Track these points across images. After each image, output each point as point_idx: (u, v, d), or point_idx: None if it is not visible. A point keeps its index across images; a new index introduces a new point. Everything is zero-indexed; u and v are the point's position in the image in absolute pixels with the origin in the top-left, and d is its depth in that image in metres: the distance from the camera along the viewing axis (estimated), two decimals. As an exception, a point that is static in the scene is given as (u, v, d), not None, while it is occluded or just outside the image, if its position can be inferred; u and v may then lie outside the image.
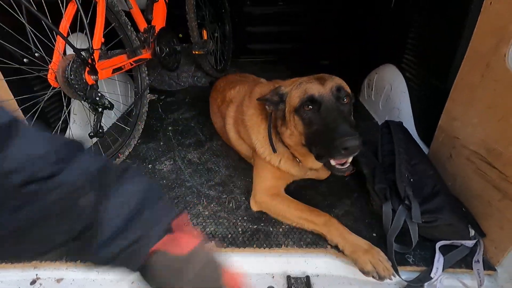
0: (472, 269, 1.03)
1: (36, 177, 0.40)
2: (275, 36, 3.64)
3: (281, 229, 1.24)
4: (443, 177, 1.28)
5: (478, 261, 1.04)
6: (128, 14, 1.85)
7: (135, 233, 0.48)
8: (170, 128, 2.13)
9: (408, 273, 1.06)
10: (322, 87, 1.08)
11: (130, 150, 1.80)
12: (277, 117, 1.25)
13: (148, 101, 2.00)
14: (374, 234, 1.20)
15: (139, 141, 1.91)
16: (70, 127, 1.67)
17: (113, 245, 0.46)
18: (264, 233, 1.23)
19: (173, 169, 1.67)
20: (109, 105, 1.44)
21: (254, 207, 1.32)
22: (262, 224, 1.27)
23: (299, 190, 1.45)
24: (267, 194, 1.29)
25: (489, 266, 1.04)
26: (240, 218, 1.31)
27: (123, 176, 0.51)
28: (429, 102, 1.56)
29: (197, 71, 3.04)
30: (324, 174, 1.49)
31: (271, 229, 1.24)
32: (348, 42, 3.27)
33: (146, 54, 1.84)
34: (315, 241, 1.18)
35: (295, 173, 1.35)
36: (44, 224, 0.42)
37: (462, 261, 1.06)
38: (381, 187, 1.24)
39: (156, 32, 1.93)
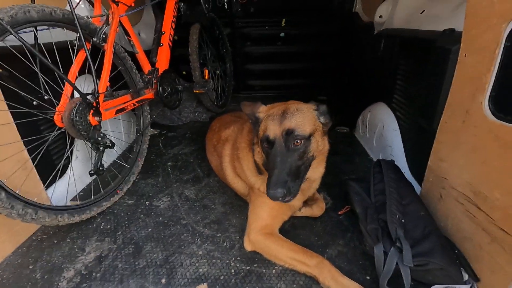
0: (467, 316, 1.01)
1: None
2: (274, 73, 3.83)
3: (274, 271, 1.23)
4: (435, 218, 1.30)
5: (473, 307, 1.02)
6: (133, 57, 1.99)
7: None
8: (169, 163, 2.18)
9: (402, 320, 1.04)
10: (278, 128, 1.15)
11: (129, 186, 1.83)
12: (254, 135, 1.34)
13: (149, 137, 2.07)
14: (368, 277, 1.19)
15: (138, 177, 1.96)
16: (71, 164, 1.72)
17: None
18: (256, 275, 1.22)
19: (169, 206, 1.69)
20: (110, 144, 1.51)
21: (248, 247, 1.33)
22: (255, 265, 1.26)
23: (293, 230, 1.46)
24: (261, 233, 1.30)
25: (484, 312, 1.03)
26: (233, 258, 1.31)
27: None
28: (419, 141, 1.61)
29: (198, 106, 3.17)
30: (318, 211, 1.51)
31: (264, 270, 1.24)
32: (344, 79, 3.43)
33: (149, 95, 1.94)
34: (308, 284, 1.16)
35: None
36: None
37: (457, 307, 1.04)
38: (372, 228, 1.25)
39: (160, 73, 2.06)
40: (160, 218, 1.59)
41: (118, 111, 1.62)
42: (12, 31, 1.07)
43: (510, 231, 0.94)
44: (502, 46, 0.98)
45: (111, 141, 1.52)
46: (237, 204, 1.69)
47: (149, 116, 2.03)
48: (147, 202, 1.73)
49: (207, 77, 2.75)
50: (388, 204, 1.27)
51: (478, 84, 1.08)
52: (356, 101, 2.71)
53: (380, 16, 2.35)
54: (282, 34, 3.57)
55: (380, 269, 1.12)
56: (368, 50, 2.64)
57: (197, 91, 2.51)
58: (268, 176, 1.12)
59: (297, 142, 1.13)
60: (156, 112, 2.14)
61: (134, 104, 1.80)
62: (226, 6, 3.42)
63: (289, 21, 3.47)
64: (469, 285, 1.07)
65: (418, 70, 1.63)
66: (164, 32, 2.23)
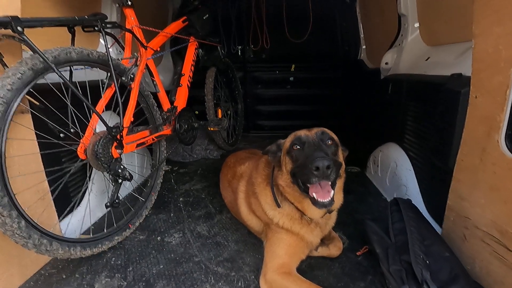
0: None
1: None
2: (283, 114, 3.97)
3: (293, 314, 1.16)
4: (461, 260, 1.24)
5: None
6: (155, 96, 2.11)
7: None
8: (181, 199, 2.17)
9: None
10: (309, 132, 1.28)
11: (141, 221, 1.81)
12: (275, 166, 1.38)
13: (163, 172, 2.10)
14: (394, 324, 1.11)
15: (150, 212, 1.94)
16: (89, 198, 1.73)
17: None
18: (274, 318, 1.15)
19: (181, 242, 1.65)
20: (129, 177, 1.54)
21: (264, 286, 1.26)
22: (273, 308, 1.19)
23: (311, 271, 1.40)
24: (279, 272, 1.25)
25: None
26: (249, 300, 1.24)
27: None
28: (435, 180, 1.61)
29: (209, 144, 3.24)
30: (335, 251, 1.46)
31: (282, 313, 1.17)
32: (353, 120, 3.52)
33: (167, 131, 2.02)
34: (330, 330, 1.09)
35: (306, 235, 1.32)
36: None
37: None
38: (396, 269, 1.20)
39: (178, 111, 2.16)
40: (172, 255, 1.54)
41: (138, 145, 1.68)
42: (55, 69, 1.17)
43: (546, 274, 0.90)
44: (512, 88, 1.04)
45: (130, 173, 1.55)
46: (250, 242, 1.64)
47: (165, 151, 2.08)
48: (158, 238, 1.70)
49: (220, 116, 2.87)
50: (410, 244, 1.23)
51: (492, 123, 1.12)
52: (366, 142, 2.76)
53: (386, 63, 2.51)
54: (291, 78, 3.78)
55: (408, 315, 1.05)
56: (375, 94, 2.76)
57: (212, 128, 2.60)
58: (304, 167, 1.14)
59: (329, 141, 1.24)
60: (171, 149, 2.20)
61: (153, 139, 1.86)
62: (240, 53, 3.69)
63: (298, 66, 3.70)
64: (507, 336, 0.99)
65: (428, 111, 1.69)
66: (184, 74, 2.39)
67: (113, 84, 1.49)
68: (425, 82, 1.75)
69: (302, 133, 1.29)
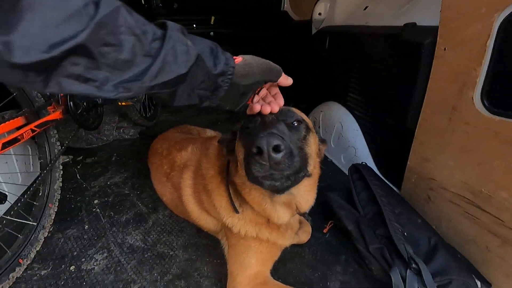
0: (493, 329, 0.94)
1: (156, 36, 0.55)
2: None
3: (277, 331, 0.96)
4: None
5: (496, 318, 0.95)
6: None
7: (223, 59, 0.65)
8: (96, 201, 1.64)
9: None
10: (268, 107, 0.85)
11: (37, 249, 1.27)
12: (231, 161, 1.02)
13: (61, 171, 1.50)
14: (384, 309, 1.03)
15: (51, 230, 1.39)
16: None
17: (216, 69, 0.63)
18: None
19: (108, 266, 1.22)
20: (-1, 198, 0.97)
21: (236, 306, 1.01)
22: (252, 330, 0.96)
23: (283, 265, 1.20)
24: (252, 285, 0.99)
25: (503, 319, 0.97)
26: (220, 327, 0.97)
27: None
28: (388, 140, 1.56)
29: (122, 121, 2.60)
30: (305, 237, 1.29)
31: (265, 335, 0.95)
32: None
33: (55, 114, 1.39)
34: None
35: (277, 240, 1.07)
36: (170, 66, 0.56)
37: (481, 322, 0.96)
38: (376, 248, 1.09)
39: (68, 84, 1.51)
40: (98, 289, 1.12)
41: (6, 144, 1.07)
42: None
43: (526, 233, 0.89)
44: (494, 37, 0.92)
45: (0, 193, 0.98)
46: (203, 244, 1.33)
47: (58, 143, 1.47)
48: (72, 267, 1.21)
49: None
50: (386, 218, 1.13)
51: (465, 79, 1.02)
52: (302, 102, 2.62)
53: (319, 14, 2.30)
54: (211, 33, 3.26)
55: (401, 299, 0.96)
56: (308, 49, 2.57)
57: (123, 103, 2.00)
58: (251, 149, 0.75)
59: (295, 123, 0.87)
60: (69, 136, 1.57)
61: (32, 130, 1.24)
62: (143, 1, 2.92)
63: (218, 19, 3.19)
64: (482, 292, 1.01)
65: (378, 67, 1.58)
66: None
67: None
68: (373, 34, 1.60)
69: (259, 108, 0.85)
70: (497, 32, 0.91)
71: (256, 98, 0.84)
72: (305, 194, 0.98)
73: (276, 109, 0.83)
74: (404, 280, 0.98)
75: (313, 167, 0.93)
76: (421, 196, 1.29)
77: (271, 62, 0.79)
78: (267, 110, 0.81)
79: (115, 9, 0.49)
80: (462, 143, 1.07)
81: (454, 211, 1.13)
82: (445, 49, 1.10)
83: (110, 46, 0.49)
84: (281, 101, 0.85)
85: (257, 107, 0.81)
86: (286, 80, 0.84)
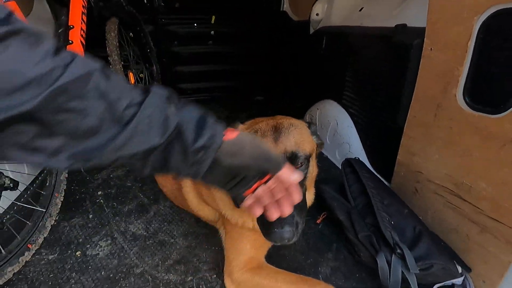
0: (471, 310, 1.01)
1: (134, 102, 0.50)
2: (206, 75, 3.54)
3: (271, 311, 1.02)
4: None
5: (474, 300, 1.02)
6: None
7: (208, 132, 0.57)
8: (99, 192, 1.71)
9: (417, 333, 0.97)
10: (274, 147, 0.90)
11: (45, 235, 1.34)
12: None
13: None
14: (371, 291, 1.10)
15: (57, 219, 1.46)
16: None
17: (196, 143, 0.56)
18: (252, 321, 0.99)
19: (112, 252, 1.29)
20: (11, 184, 1.04)
21: (232, 288, 1.08)
22: (247, 309, 1.03)
23: (277, 252, 1.27)
24: (247, 269, 1.07)
25: (482, 302, 1.04)
26: (217, 307, 1.04)
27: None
28: (380, 136, 1.63)
29: (124, 117, 2.66)
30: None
31: (259, 313, 1.02)
32: (283, 78, 3.39)
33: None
34: (314, 318, 1.00)
35: None
36: (141, 136, 0.51)
37: (460, 304, 1.03)
38: (365, 235, 1.16)
39: (74, 79, 1.58)
40: (103, 272, 1.19)
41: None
42: None
43: (502, 220, 0.96)
44: (474, 38, 0.99)
45: (11, 179, 1.05)
46: (202, 233, 1.40)
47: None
48: (77, 253, 1.28)
49: (132, 81, 2.32)
50: (375, 208, 1.20)
51: (449, 77, 1.09)
52: (299, 100, 2.69)
53: (317, 14, 2.36)
54: (212, 32, 3.32)
55: (386, 281, 1.03)
56: (306, 49, 2.64)
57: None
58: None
59: (298, 164, 0.91)
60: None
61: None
62: (146, 0, 2.98)
63: (219, 18, 3.25)
64: (463, 277, 1.08)
65: (371, 67, 1.64)
66: (73, 27, 1.73)
67: None
68: (367, 35, 1.67)
69: None
70: (477, 34, 0.98)
71: (262, 189, 0.67)
72: (306, 195, 1.05)
73: (286, 212, 0.70)
74: (389, 264, 1.05)
75: (311, 179, 1.04)
76: (409, 189, 1.36)
77: (272, 152, 0.68)
78: (273, 216, 0.70)
79: (86, 74, 0.45)
80: (446, 137, 1.14)
81: (438, 201, 1.20)
82: (431, 49, 1.16)
83: (71, 113, 0.44)
84: (296, 196, 0.69)
85: (256, 211, 0.70)
86: (289, 176, 0.66)
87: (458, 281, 1.07)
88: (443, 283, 1.07)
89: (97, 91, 0.46)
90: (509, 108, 0.92)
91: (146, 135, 0.51)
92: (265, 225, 0.83)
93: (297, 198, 0.69)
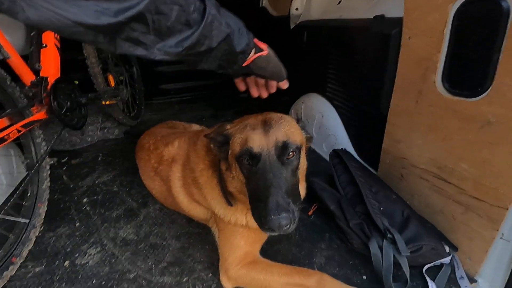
0: (460, 286, 1.05)
1: (197, 7, 0.66)
2: (188, 74, 3.49)
3: (268, 304, 1.03)
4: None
5: (462, 277, 1.07)
6: (3, 65, 1.40)
7: (246, 39, 0.80)
8: (85, 200, 1.66)
9: (411, 312, 1.00)
10: (264, 139, 0.90)
11: (30, 247, 1.28)
12: (222, 159, 1.07)
13: (49, 171, 1.51)
14: (364, 277, 1.12)
15: (42, 230, 1.40)
16: None
17: (239, 47, 0.78)
18: (250, 316, 0.99)
19: (103, 259, 1.26)
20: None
21: (228, 285, 1.07)
22: (245, 305, 1.03)
23: (270, 247, 1.27)
24: (242, 265, 1.06)
25: (469, 278, 1.08)
26: (215, 305, 1.04)
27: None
28: (365, 126, 1.66)
29: (106, 121, 2.59)
30: (291, 219, 1.37)
31: (257, 308, 1.02)
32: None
33: (39, 114, 1.40)
34: (311, 307, 1.01)
35: None
36: (205, 39, 0.70)
37: (449, 282, 1.07)
38: (356, 223, 1.19)
39: (50, 84, 1.52)
40: (94, 281, 1.15)
41: (-7, 144, 1.08)
42: None
43: (484, 198, 1.00)
44: (450, 25, 1.03)
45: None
46: (194, 233, 1.39)
47: (44, 144, 1.47)
48: (66, 263, 1.24)
49: (112, 84, 2.25)
50: (364, 196, 1.23)
51: (428, 64, 1.13)
52: (284, 95, 2.70)
53: (296, 9, 2.37)
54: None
55: (378, 266, 1.06)
56: (287, 44, 2.64)
57: (107, 102, 2.01)
58: (258, 203, 0.85)
59: (290, 154, 0.91)
60: (52, 138, 1.57)
61: (18, 130, 1.25)
62: None
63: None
64: (450, 256, 1.12)
65: (353, 58, 1.67)
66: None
67: None
68: (346, 27, 1.70)
69: (256, 141, 0.90)
70: (452, 20, 1.02)
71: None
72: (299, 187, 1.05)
73: (264, 95, 1.06)
74: (381, 249, 1.07)
75: (302, 171, 1.05)
76: (395, 175, 1.39)
77: (283, 67, 0.99)
78: (254, 94, 1.03)
79: None
80: (428, 123, 1.17)
81: (423, 186, 1.24)
82: (409, 38, 1.20)
83: (161, 15, 0.60)
84: (272, 89, 1.06)
85: (241, 87, 1.06)
86: (284, 84, 1.03)
87: (446, 260, 1.11)
88: (432, 263, 1.11)
89: None
90: (485, 91, 0.95)
91: (208, 39, 0.68)
92: (262, 214, 0.82)
93: (272, 90, 1.04)
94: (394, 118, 1.35)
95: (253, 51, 0.86)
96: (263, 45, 0.90)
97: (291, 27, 2.50)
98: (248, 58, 0.84)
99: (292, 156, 0.92)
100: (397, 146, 1.36)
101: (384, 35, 1.33)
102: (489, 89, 0.94)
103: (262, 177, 0.86)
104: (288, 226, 0.80)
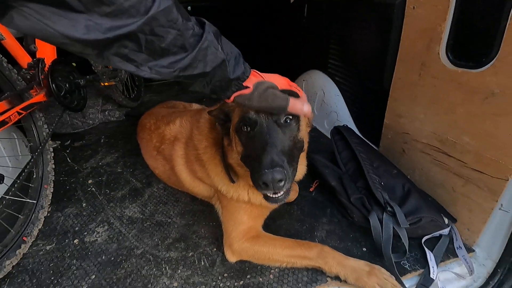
0: (457, 256, 1.08)
1: (195, 33, 0.66)
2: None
3: (271, 276, 1.07)
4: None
5: (460, 247, 1.09)
6: (1, 47, 1.38)
7: (242, 68, 0.77)
8: (90, 181, 1.69)
9: (410, 280, 1.04)
10: None
11: (39, 227, 1.32)
12: (224, 136, 1.08)
13: (52, 153, 1.53)
14: (364, 249, 1.15)
15: (50, 211, 1.44)
16: None
17: (233, 74, 0.75)
18: (254, 287, 1.03)
19: (111, 236, 1.30)
20: (-4, 178, 1.01)
21: (233, 258, 1.11)
22: (249, 276, 1.07)
23: (273, 222, 1.30)
24: (246, 238, 1.10)
25: (467, 248, 1.11)
26: (220, 277, 1.08)
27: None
28: (367, 102, 1.64)
29: (106, 104, 2.58)
30: (293, 195, 1.39)
31: (261, 279, 1.06)
32: (267, 51, 3.31)
33: (38, 97, 1.39)
34: (313, 278, 1.05)
35: (266, 204, 1.19)
36: (198, 63, 0.68)
37: (447, 252, 1.10)
38: (357, 198, 1.20)
39: (47, 65, 1.50)
40: (103, 257, 1.20)
41: (-5, 127, 1.09)
42: None
43: (484, 170, 1.01)
44: (456, -7, 0.98)
45: (-4, 173, 1.01)
46: (198, 210, 1.42)
47: (45, 126, 1.48)
48: (75, 241, 1.28)
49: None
50: (365, 171, 1.23)
51: (432, 34, 1.09)
52: (284, 73, 2.65)
53: (296, -18, 2.28)
54: (189, 8, 3.17)
55: (378, 238, 1.08)
56: (287, 19, 2.56)
57: (106, 83, 1.99)
58: (254, 163, 0.86)
59: (287, 118, 0.91)
60: (54, 121, 1.58)
61: (19, 113, 1.26)
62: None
63: (195, -8, 3.10)
64: (449, 227, 1.14)
65: (355, 31, 1.62)
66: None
67: None
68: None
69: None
70: (459, -13, 0.97)
71: None
72: (299, 166, 1.06)
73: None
74: (381, 222, 1.09)
75: (305, 145, 1.03)
76: (396, 150, 1.39)
77: (278, 95, 0.82)
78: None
79: (169, 7, 0.59)
80: (431, 95, 1.16)
81: (425, 160, 1.24)
82: (414, 7, 1.15)
83: (156, 36, 0.60)
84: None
85: None
86: (297, 108, 0.84)
87: (445, 231, 1.13)
88: (431, 234, 1.13)
89: (174, 21, 0.60)
90: (490, 61, 0.93)
91: (202, 63, 0.68)
92: (256, 170, 0.82)
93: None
94: (397, 92, 1.33)
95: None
96: (250, 83, 0.80)
97: (291, 1, 2.41)
98: (238, 90, 0.79)
99: (291, 121, 0.92)
100: (399, 121, 1.35)
101: (387, 5, 1.28)
102: (494, 59, 0.92)
103: (258, 139, 0.87)
104: (282, 182, 0.79)
